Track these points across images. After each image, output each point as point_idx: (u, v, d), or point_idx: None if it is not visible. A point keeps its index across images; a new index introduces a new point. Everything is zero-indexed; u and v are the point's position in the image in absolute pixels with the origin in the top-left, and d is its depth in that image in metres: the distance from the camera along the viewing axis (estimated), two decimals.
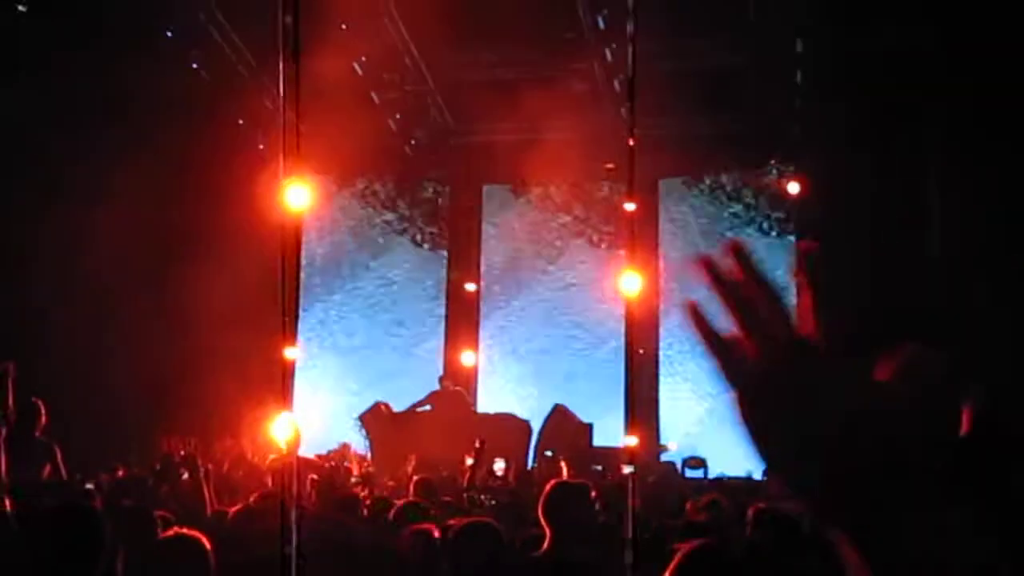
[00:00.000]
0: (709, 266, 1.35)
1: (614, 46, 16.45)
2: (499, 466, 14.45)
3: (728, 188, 19.41)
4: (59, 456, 9.85)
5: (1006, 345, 12.27)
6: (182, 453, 9.94)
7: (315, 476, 9.99)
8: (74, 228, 15.50)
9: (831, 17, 15.38)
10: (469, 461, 12.34)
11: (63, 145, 15.01)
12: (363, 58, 16.65)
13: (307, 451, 16.22)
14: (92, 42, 15.01)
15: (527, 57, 17.80)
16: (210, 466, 9.51)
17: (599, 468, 14.91)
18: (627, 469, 14.45)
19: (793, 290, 1.39)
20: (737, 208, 19.33)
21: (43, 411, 9.80)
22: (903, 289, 14.95)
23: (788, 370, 1.29)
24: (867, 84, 15.57)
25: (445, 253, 20.69)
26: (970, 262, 14.39)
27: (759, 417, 1.30)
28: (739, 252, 1.35)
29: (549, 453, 15.82)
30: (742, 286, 1.33)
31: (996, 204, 14.20)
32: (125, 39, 15.37)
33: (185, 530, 5.14)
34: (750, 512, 6.68)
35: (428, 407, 17.53)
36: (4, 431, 7.78)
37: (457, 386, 18.53)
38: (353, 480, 12.71)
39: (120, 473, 10.61)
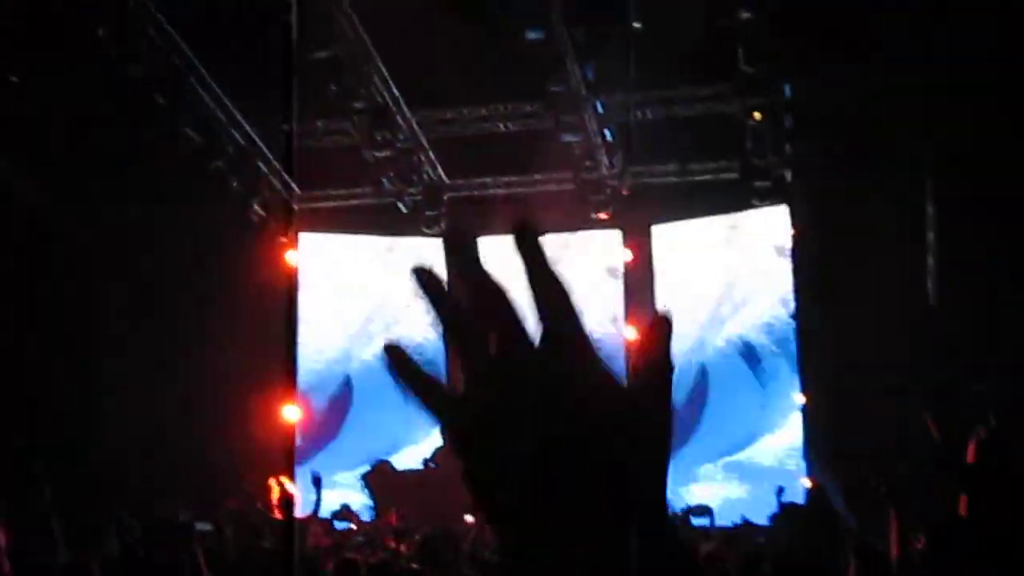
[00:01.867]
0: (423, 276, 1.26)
1: (604, 97, 16.56)
2: None
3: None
4: None
5: (1007, 395, 12.27)
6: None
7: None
8: (80, 286, 15.61)
9: (819, 62, 15.45)
10: (469, 518, 12.26)
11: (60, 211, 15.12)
12: (355, 117, 16.70)
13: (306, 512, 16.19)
14: (84, 108, 15.11)
15: (518, 110, 17.90)
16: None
17: None
18: None
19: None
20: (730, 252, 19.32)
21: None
22: (901, 337, 14.95)
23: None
24: (857, 128, 15.63)
25: None
26: (969, 310, 14.39)
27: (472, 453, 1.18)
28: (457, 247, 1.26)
29: None
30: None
31: (995, 250, 14.22)
32: (116, 102, 15.46)
33: None
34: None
35: (433, 465, 17.45)
36: None
37: None
38: (355, 541, 12.67)
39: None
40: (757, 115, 16.44)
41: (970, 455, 6.77)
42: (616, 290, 20.09)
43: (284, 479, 13.90)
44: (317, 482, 13.07)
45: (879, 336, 15.43)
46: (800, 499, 14.94)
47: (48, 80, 14.74)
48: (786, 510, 14.18)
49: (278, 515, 14.58)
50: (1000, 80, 13.75)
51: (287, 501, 13.85)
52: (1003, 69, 13.61)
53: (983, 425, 6.89)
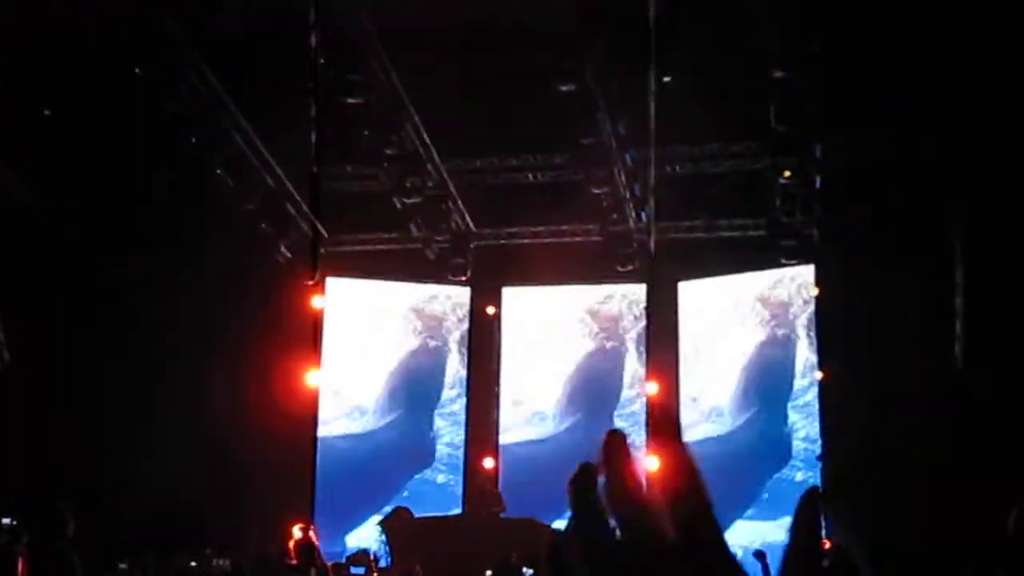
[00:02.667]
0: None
1: (634, 151, 16.60)
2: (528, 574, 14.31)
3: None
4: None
5: None
6: None
7: None
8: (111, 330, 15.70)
9: (848, 122, 15.48)
10: (489, 574, 12.21)
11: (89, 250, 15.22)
12: (385, 164, 16.78)
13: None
14: (116, 144, 15.22)
15: (547, 161, 17.96)
16: None
17: None
18: None
19: None
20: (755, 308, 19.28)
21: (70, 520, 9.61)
22: (927, 400, 14.87)
23: None
24: (886, 188, 15.62)
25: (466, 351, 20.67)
26: (996, 374, 14.32)
27: None
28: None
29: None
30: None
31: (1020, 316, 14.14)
32: (149, 144, 15.57)
33: None
34: None
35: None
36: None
37: (490, 481, 18.45)
38: None
39: None
40: (787, 173, 16.47)
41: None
42: (639, 345, 20.08)
43: (303, 526, 13.91)
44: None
45: (904, 399, 15.37)
46: None
47: (82, 115, 14.88)
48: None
49: (295, 560, 14.60)
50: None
51: (307, 547, 13.85)
52: None
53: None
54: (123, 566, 11.22)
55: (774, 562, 12.50)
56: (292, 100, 15.16)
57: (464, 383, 20.53)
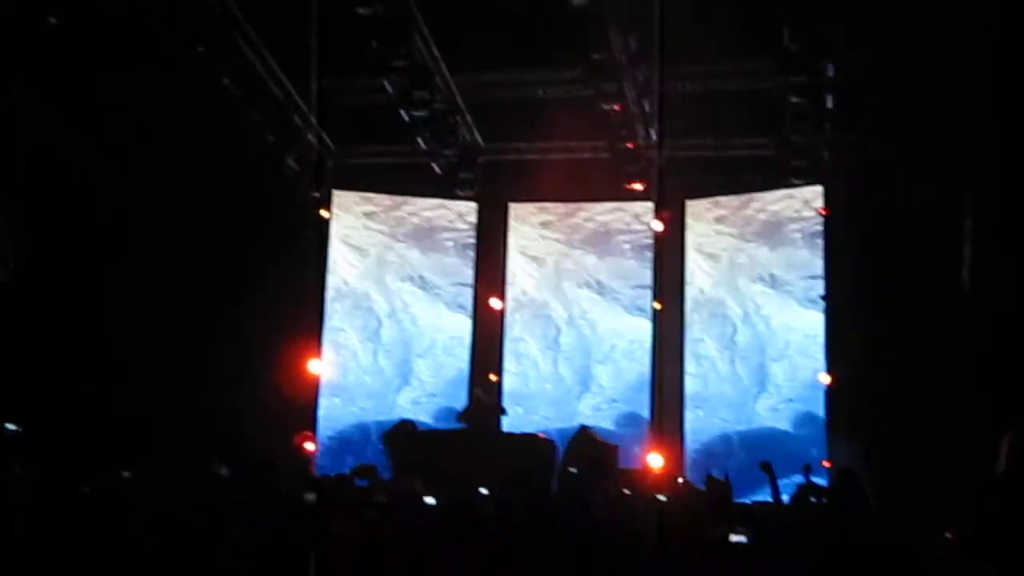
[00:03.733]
0: None
1: (645, 67, 16.44)
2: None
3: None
4: None
5: None
6: None
7: None
8: (107, 241, 15.65)
9: (863, 42, 15.33)
10: (483, 491, 12.29)
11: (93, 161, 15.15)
12: (393, 76, 16.63)
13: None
14: (123, 54, 15.10)
15: (556, 77, 17.80)
16: None
17: (626, 491, 14.82)
18: (661, 498, 14.38)
19: None
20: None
21: None
22: (934, 325, 14.86)
23: None
24: (899, 109, 15.50)
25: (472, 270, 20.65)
26: (1003, 301, 14.26)
27: None
28: None
29: (574, 470, 15.73)
30: None
31: None
32: (157, 54, 15.44)
33: None
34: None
35: (462, 425, 17.45)
36: None
37: (490, 394, 18.51)
38: (377, 500, 12.68)
39: None
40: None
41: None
42: (646, 261, 20.06)
43: (307, 437, 13.98)
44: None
45: (910, 321, 15.38)
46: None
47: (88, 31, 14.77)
48: (809, 490, 14.12)
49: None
50: None
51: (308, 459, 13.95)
52: None
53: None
54: (126, 474, 11.25)
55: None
56: (300, 10, 15.01)
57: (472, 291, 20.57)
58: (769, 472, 11.81)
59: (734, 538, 8.19)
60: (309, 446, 15.86)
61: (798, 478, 13.91)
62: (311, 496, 9.69)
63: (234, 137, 17.18)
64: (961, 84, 14.50)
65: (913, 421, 14.62)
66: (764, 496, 12.59)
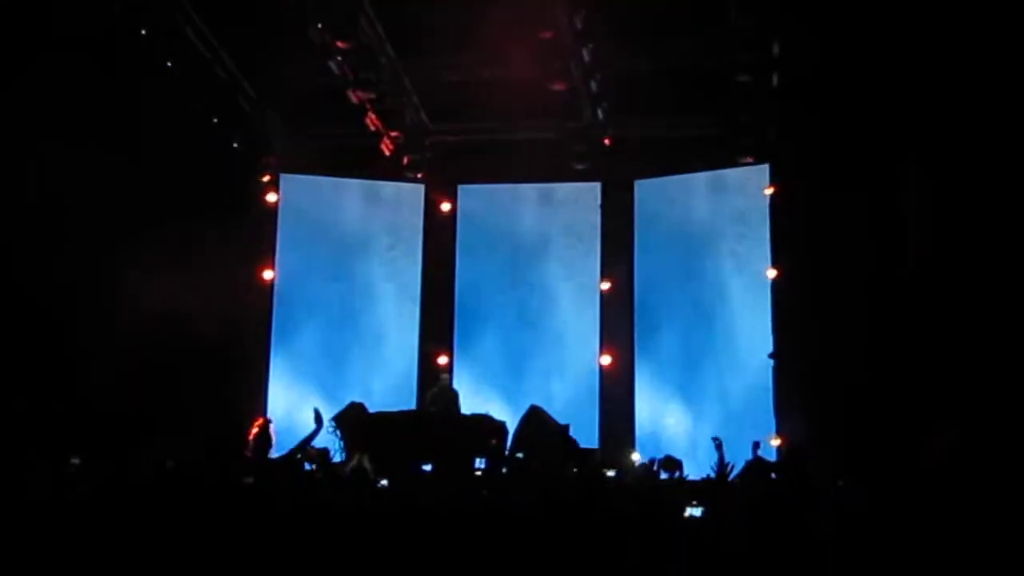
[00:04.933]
0: None
1: (591, 46, 16.44)
2: None
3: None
4: None
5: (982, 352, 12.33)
6: None
7: None
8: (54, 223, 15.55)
9: (809, 19, 15.40)
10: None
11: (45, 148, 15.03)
12: (339, 57, 16.54)
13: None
14: (65, 43, 14.95)
15: (503, 57, 17.77)
16: None
17: (575, 470, 14.87)
18: (609, 473, 14.41)
19: None
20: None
21: None
22: (876, 297, 14.98)
23: None
24: (843, 87, 15.59)
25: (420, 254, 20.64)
26: (947, 271, 14.39)
27: None
28: None
29: (520, 455, 15.78)
30: None
31: (974, 211, 14.20)
32: (99, 40, 15.29)
33: None
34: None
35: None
36: None
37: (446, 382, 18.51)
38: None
39: None
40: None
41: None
42: (594, 243, 20.12)
43: (264, 420, 13.90)
44: (318, 419, 12.98)
45: (854, 296, 15.50)
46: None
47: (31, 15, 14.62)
48: (756, 465, 14.24)
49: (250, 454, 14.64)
50: (989, 38, 13.69)
51: (263, 440, 13.86)
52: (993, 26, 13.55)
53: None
54: (75, 460, 11.16)
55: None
56: None
57: (419, 279, 20.55)
58: (719, 448, 11.93)
59: (688, 511, 8.26)
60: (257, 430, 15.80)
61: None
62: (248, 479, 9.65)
63: (179, 120, 17.04)
64: (905, 59, 14.62)
65: (858, 394, 14.76)
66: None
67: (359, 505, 8.64)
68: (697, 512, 8.04)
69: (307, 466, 15.14)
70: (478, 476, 14.20)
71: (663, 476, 16.32)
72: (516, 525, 6.74)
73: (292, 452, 12.78)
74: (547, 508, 7.71)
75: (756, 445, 14.30)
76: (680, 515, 7.87)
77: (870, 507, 7.90)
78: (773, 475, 13.26)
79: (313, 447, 16.10)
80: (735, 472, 11.27)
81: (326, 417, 16.27)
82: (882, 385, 14.01)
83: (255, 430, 15.07)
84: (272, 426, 16.16)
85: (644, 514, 7.68)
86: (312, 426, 12.47)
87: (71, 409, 14.88)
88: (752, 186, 18.61)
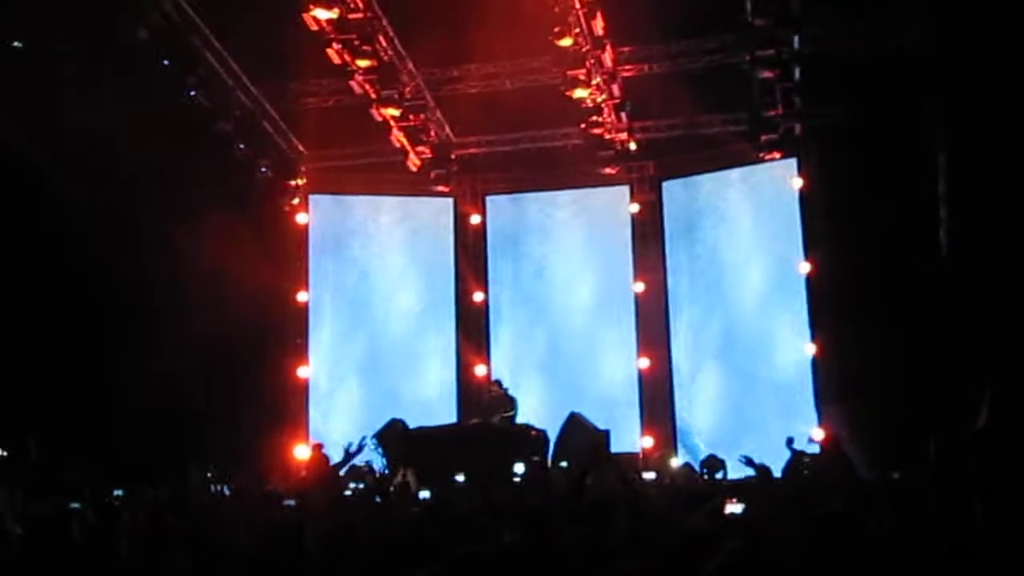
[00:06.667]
0: None
1: (610, 51, 16.45)
2: None
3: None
4: None
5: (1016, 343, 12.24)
6: None
7: None
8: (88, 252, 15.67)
9: (829, 15, 15.39)
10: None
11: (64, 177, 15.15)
12: (360, 77, 16.61)
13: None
14: (89, 75, 15.06)
15: (523, 66, 17.82)
16: None
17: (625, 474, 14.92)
18: (648, 475, 14.39)
19: None
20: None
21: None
22: (911, 287, 14.92)
23: None
24: (865, 81, 15.56)
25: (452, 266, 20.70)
26: (980, 261, 14.30)
27: None
28: None
29: (564, 464, 15.80)
30: None
31: (1005, 201, 14.11)
32: (122, 70, 15.39)
33: None
34: None
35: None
36: None
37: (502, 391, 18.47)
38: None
39: None
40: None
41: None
42: (625, 244, 20.12)
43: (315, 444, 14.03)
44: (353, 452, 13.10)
45: (889, 286, 15.45)
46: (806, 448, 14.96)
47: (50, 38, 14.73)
48: (799, 458, 14.23)
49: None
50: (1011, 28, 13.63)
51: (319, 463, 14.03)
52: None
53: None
54: (118, 492, 11.26)
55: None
56: (265, 17, 15.02)
57: (453, 290, 20.61)
58: (750, 464, 11.95)
59: (729, 508, 8.23)
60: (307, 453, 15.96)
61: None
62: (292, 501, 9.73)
63: (206, 149, 17.14)
64: (932, 45, 14.56)
65: (897, 383, 14.71)
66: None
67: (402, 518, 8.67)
68: (738, 509, 8.00)
69: (355, 484, 15.29)
70: (517, 483, 14.23)
71: (706, 476, 16.35)
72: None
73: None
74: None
75: (790, 441, 14.34)
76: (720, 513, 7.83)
77: (923, 499, 7.84)
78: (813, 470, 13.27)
79: (360, 465, 16.25)
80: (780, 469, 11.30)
81: (368, 435, 16.43)
82: (922, 372, 13.99)
83: (311, 454, 15.22)
84: (324, 450, 16.35)
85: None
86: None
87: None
88: (780, 181, 18.56)
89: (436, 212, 20.72)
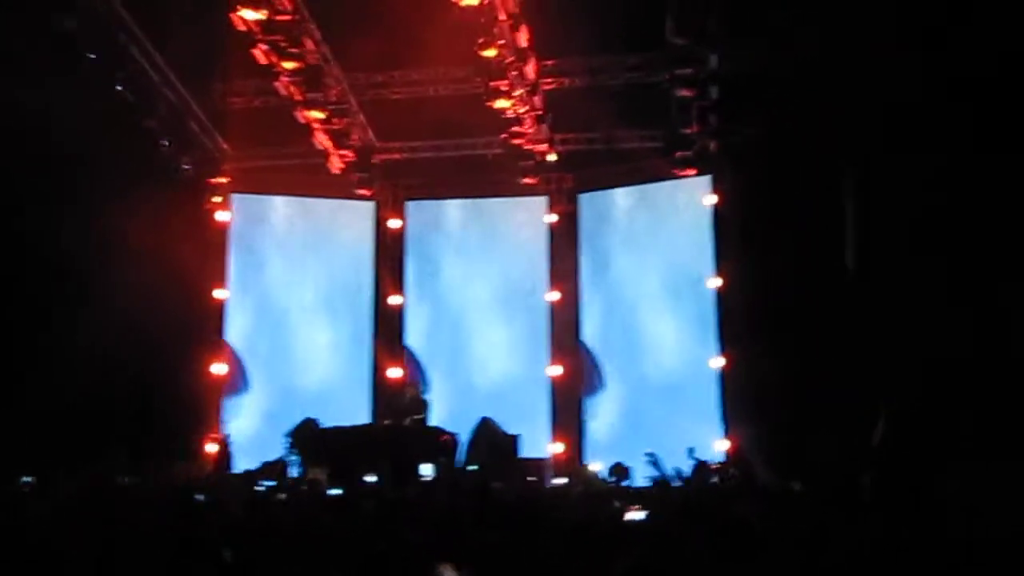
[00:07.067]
0: None
1: (535, 64, 16.75)
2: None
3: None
4: None
5: (919, 356, 12.65)
6: None
7: None
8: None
9: (744, 33, 15.71)
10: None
11: None
12: (286, 79, 16.77)
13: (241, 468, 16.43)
14: (13, 66, 15.02)
15: (448, 75, 18.07)
16: None
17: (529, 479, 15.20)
18: (558, 481, 14.66)
19: None
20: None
21: None
22: (819, 304, 15.27)
23: None
24: (780, 101, 15.89)
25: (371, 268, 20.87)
26: (886, 276, 14.68)
27: None
28: None
29: (474, 467, 16.02)
30: None
31: (911, 219, 14.50)
32: (48, 63, 15.38)
33: None
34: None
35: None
36: None
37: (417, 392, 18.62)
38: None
39: None
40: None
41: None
42: (541, 255, 20.42)
43: (221, 437, 14.12)
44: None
45: (797, 303, 15.80)
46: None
47: None
48: (702, 467, 14.54)
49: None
50: (928, 46, 13.98)
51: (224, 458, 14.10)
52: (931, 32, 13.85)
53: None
54: (26, 479, 11.28)
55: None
56: (192, 16, 15.11)
57: (372, 293, 20.78)
58: (655, 464, 12.23)
59: (630, 516, 8.52)
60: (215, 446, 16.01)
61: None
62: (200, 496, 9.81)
63: (129, 143, 17.14)
64: (840, 71, 14.94)
65: (800, 397, 15.07)
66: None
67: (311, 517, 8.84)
68: (640, 516, 8.30)
69: (265, 482, 15.36)
70: (425, 484, 14.44)
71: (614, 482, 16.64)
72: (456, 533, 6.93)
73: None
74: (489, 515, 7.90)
75: (691, 450, 14.61)
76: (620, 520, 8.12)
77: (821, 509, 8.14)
78: (718, 478, 13.59)
79: (273, 461, 16.38)
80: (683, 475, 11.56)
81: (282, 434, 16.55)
82: (825, 388, 14.35)
83: (215, 447, 15.28)
84: (230, 441, 16.43)
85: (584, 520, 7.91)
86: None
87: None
88: (694, 197, 18.95)
89: (357, 215, 20.88)
